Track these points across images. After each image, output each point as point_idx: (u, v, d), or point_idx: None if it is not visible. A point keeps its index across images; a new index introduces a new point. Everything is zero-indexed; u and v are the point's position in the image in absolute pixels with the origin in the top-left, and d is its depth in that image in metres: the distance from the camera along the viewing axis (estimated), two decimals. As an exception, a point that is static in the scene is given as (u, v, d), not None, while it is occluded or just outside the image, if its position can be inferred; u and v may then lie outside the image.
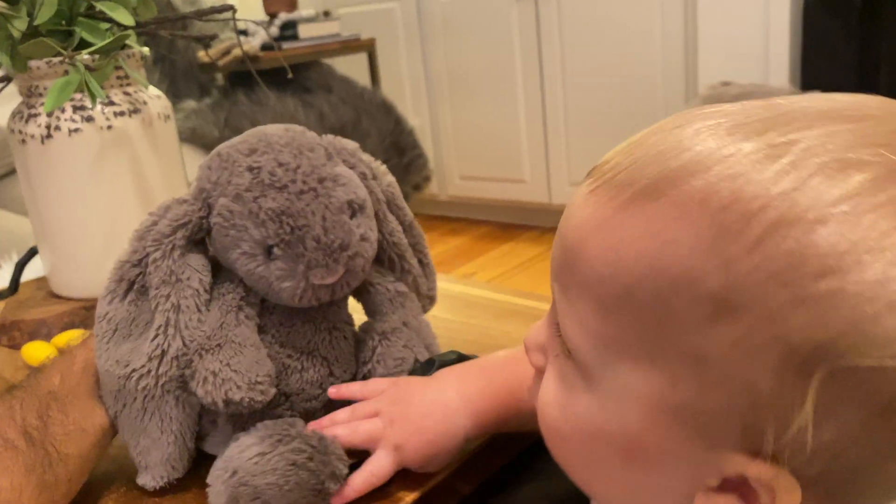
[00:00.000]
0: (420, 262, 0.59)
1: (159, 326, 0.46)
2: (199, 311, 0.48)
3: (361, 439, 0.48)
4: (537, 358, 0.37)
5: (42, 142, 0.69)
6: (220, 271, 0.50)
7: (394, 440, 0.48)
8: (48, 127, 0.69)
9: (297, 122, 2.12)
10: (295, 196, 0.46)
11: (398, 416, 0.49)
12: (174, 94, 2.24)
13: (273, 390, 0.47)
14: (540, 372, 0.37)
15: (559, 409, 0.34)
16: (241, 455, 0.45)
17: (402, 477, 0.49)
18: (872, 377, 0.25)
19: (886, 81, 2.00)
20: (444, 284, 0.83)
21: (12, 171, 1.56)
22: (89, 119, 0.70)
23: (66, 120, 0.69)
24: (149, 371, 0.46)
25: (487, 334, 0.69)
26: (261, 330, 0.50)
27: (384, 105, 2.39)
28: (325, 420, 0.50)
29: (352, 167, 0.52)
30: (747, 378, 0.27)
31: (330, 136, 0.53)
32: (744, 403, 0.27)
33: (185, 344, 0.46)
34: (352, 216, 0.48)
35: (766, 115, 0.29)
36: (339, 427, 0.49)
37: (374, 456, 0.48)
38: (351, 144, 0.54)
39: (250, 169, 0.47)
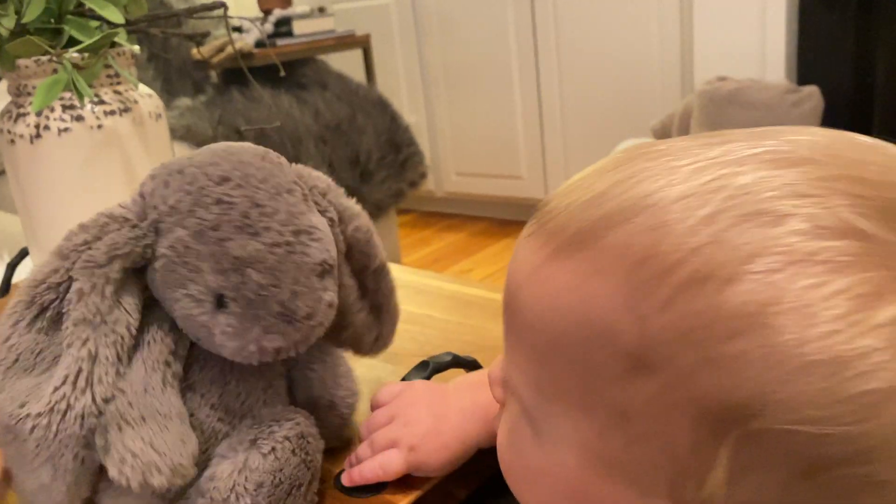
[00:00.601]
0: (378, 308, 0.53)
1: (67, 376, 0.39)
2: (119, 361, 0.41)
3: (378, 449, 0.48)
4: (498, 393, 0.38)
5: (31, 141, 0.69)
6: (146, 307, 0.44)
7: (409, 441, 0.47)
8: (37, 126, 0.68)
9: (293, 119, 2.11)
10: (267, 248, 0.40)
11: (414, 417, 0.48)
12: (168, 92, 2.23)
13: (194, 470, 0.41)
14: (503, 405, 0.37)
15: (510, 448, 0.35)
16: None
17: (398, 481, 0.48)
18: (787, 440, 0.25)
19: (883, 76, 1.99)
20: (441, 283, 0.83)
21: (2, 171, 1.55)
22: (79, 118, 0.69)
23: (55, 119, 0.68)
24: (48, 423, 0.39)
25: (484, 335, 0.68)
26: (189, 388, 0.44)
27: (380, 102, 2.38)
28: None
29: (323, 211, 0.46)
30: (666, 435, 0.27)
31: (301, 169, 0.47)
32: (665, 459, 0.27)
33: (94, 401, 0.39)
34: (321, 277, 0.42)
35: (703, 156, 0.28)
36: (363, 448, 0.49)
37: (387, 451, 0.47)
38: (323, 182, 0.48)
39: (220, 202, 0.40)
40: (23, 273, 0.85)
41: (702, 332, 0.25)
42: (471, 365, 0.56)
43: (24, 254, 0.84)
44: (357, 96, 2.34)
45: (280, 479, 0.42)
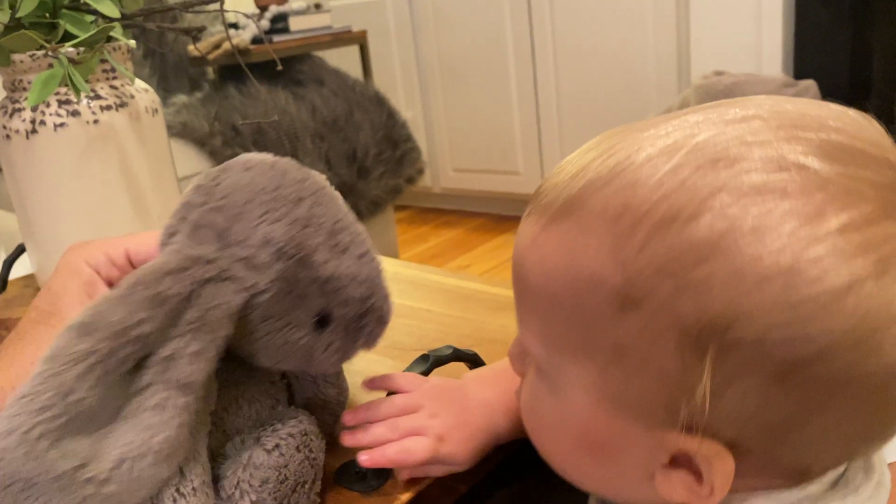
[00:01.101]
0: None
1: (156, 442, 0.36)
2: (192, 433, 0.39)
3: (402, 434, 0.46)
4: (518, 366, 0.41)
5: (27, 137, 0.68)
6: None
7: (436, 431, 0.46)
8: (33, 122, 0.68)
9: (289, 115, 2.10)
10: (357, 261, 0.42)
11: (440, 409, 0.48)
12: (165, 89, 2.22)
13: None
14: (522, 377, 0.41)
15: (532, 410, 0.39)
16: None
17: (396, 477, 0.48)
18: (758, 347, 0.29)
19: (879, 69, 1.99)
20: (439, 278, 0.82)
21: None
22: (75, 113, 0.68)
23: (51, 114, 0.68)
24: (115, 492, 0.35)
25: (483, 328, 0.68)
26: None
27: (376, 97, 2.37)
28: (362, 412, 0.48)
29: None
30: (657, 361, 0.31)
31: (297, 165, 0.45)
32: (659, 384, 0.31)
33: (170, 469, 0.37)
34: (383, 275, 0.45)
35: (664, 127, 0.33)
36: (378, 426, 0.46)
37: (414, 437, 0.46)
38: (320, 179, 0.46)
39: (308, 225, 0.40)
40: (19, 270, 0.84)
41: (674, 264, 0.30)
42: (471, 358, 0.56)
43: (20, 250, 0.84)
44: (354, 92, 2.34)
45: (285, 475, 0.42)
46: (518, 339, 0.40)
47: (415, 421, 0.47)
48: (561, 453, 0.39)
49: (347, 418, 0.48)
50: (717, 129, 0.32)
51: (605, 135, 0.36)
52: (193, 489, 0.39)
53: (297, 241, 0.40)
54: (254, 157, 0.43)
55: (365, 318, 0.42)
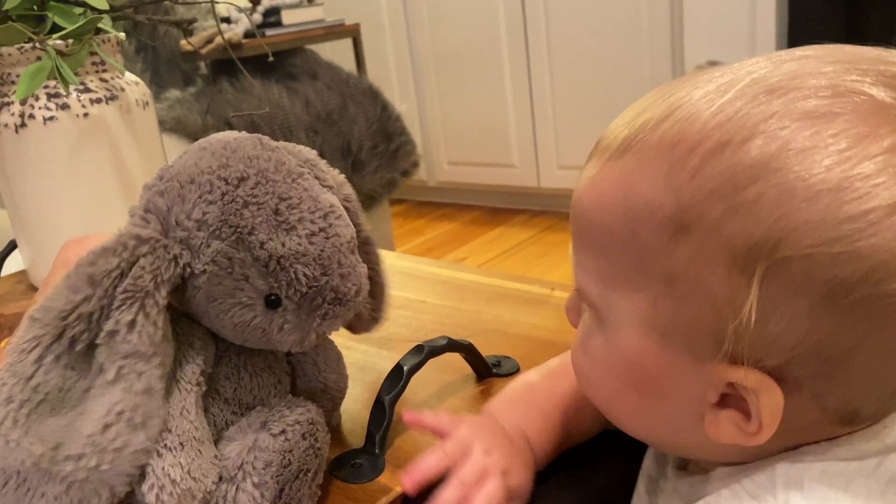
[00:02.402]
0: (370, 280, 0.51)
1: (121, 413, 0.37)
2: (166, 395, 0.39)
3: (471, 487, 0.43)
4: (573, 317, 0.42)
5: (16, 131, 0.68)
6: (174, 323, 0.42)
7: (499, 467, 0.44)
8: (22, 115, 0.67)
9: (283, 109, 2.10)
10: (307, 239, 0.40)
11: (490, 444, 0.45)
12: (157, 84, 2.21)
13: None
14: (577, 326, 0.41)
15: (582, 352, 0.39)
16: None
17: (392, 469, 0.48)
18: (806, 266, 0.29)
19: (874, 57, 1.99)
20: (435, 269, 0.82)
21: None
22: (64, 107, 0.68)
23: (40, 108, 0.67)
24: (96, 465, 0.36)
25: (479, 319, 0.68)
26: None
27: (370, 91, 2.36)
28: (419, 472, 0.43)
29: (323, 184, 0.45)
30: (706, 287, 0.31)
31: (287, 145, 0.46)
32: (708, 311, 0.31)
33: (149, 437, 0.37)
34: (353, 252, 0.43)
35: (720, 71, 0.34)
36: (447, 492, 0.42)
37: (486, 485, 0.43)
38: (310, 153, 0.47)
39: (248, 205, 0.40)
40: (12, 266, 0.84)
41: (726, 187, 0.30)
42: (466, 349, 0.56)
43: (12, 246, 0.83)
44: (347, 86, 2.33)
45: (289, 459, 0.41)
46: (574, 291, 0.40)
47: (476, 465, 0.44)
48: (610, 395, 0.39)
49: (408, 484, 0.43)
50: (774, 66, 0.32)
51: (666, 84, 0.36)
52: (181, 444, 0.39)
53: (233, 222, 0.39)
54: (217, 135, 0.43)
55: (318, 299, 0.41)
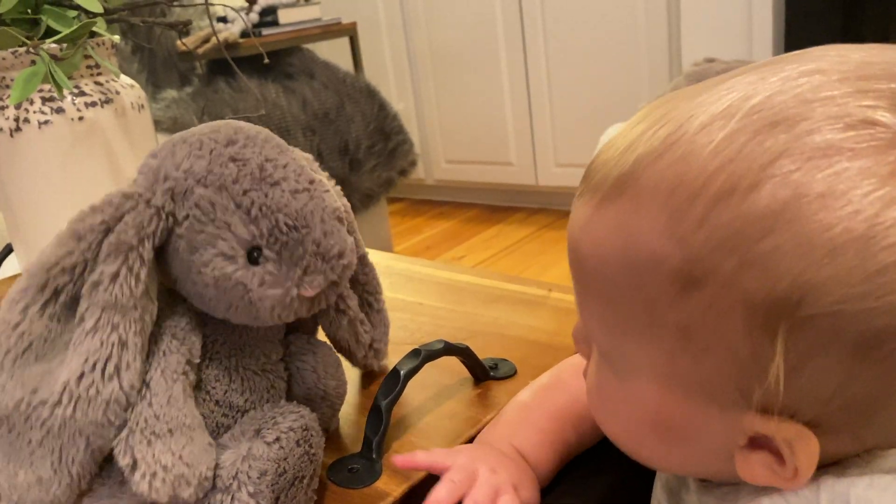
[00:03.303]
0: (369, 305, 0.53)
1: (95, 362, 0.38)
2: (142, 351, 0.40)
3: (487, 494, 0.43)
4: (582, 349, 0.40)
5: (11, 135, 0.67)
6: (158, 316, 0.43)
7: (509, 483, 0.44)
8: (17, 119, 0.67)
9: (280, 108, 2.09)
10: (290, 194, 0.41)
11: (495, 463, 0.45)
12: (154, 84, 2.21)
13: (211, 482, 0.41)
14: (588, 359, 0.39)
15: (597, 392, 0.37)
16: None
17: (390, 471, 0.48)
18: (833, 322, 0.27)
19: (871, 54, 1.99)
20: (432, 271, 0.82)
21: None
22: (59, 110, 0.67)
23: (35, 112, 0.67)
24: (70, 412, 0.37)
25: (476, 321, 0.68)
26: (195, 386, 0.43)
27: (367, 90, 2.36)
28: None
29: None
30: (726, 341, 0.29)
31: (281, 142, 0.47)
32: (730, 365, 0.29)
33: (122, 388, 0.38)
34: (340, 223, 0.43)
35: (717, 91, 0.31)
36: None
37: (501, 500, 0.43)
38: (304, 154, 0.48)
39: (234, 160, 0.41)
40: (7, 270, 0.84)
41: (736, 238, 0.28)
42: (463, 352, 0.56)
43: (8, 250, 0.83)
44: (344, 85, 2.33)
45: (284, 468, 0.41)
46: (579, 321, 0.39)
47: (486, 485, 0.43)
48: (631, 437, 0.37)
49: None
50: (774, 89, 0.29)
51: (655, 104, 0.34)
52: (169, 430, 0.39)
53: (217, 171, 0.41)
54: (223, 121, 0.45)
55: (299, 250, 0.41)
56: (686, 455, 0.35)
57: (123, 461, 0.39)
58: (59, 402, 0.38)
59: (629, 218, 0.31)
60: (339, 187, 0.50)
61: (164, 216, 0.41)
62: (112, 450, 0.39)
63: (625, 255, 0.31)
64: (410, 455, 0.46)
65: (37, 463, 0.38)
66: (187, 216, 0.41)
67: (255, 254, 0.41)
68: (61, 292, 0.39)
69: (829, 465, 0.32)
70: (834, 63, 0.30)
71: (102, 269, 0.39)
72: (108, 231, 0.40)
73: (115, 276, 0.39)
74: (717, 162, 0.28)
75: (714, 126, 0.29)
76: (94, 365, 0.38)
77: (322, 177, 0.47)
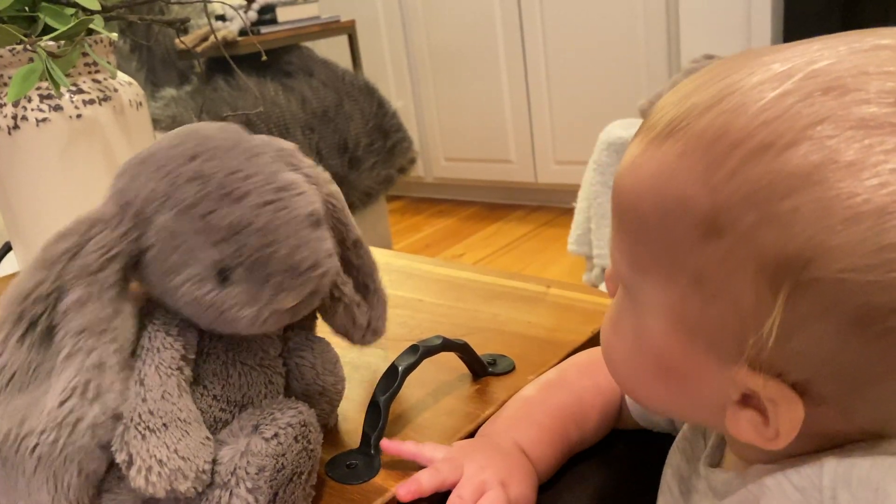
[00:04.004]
0: (365, 287, 0.53)
1: (75, 387, 0.38)
2: (122, 370, 0.40)
3: (473, 495, 0.43)
4: (611, 286, 0.41)
5: (9, 133, 0.67)
6: (150, 312, 0.43)
7: (496, 479, 0.44)
8: (14, 117, 0.67)
9: (279, 107, 2.09)
10: (253, 210, 0.40)
11: (483, 460, 0.45)
12: (153, 83, 2.21)
13: (210, 476, 0.41)
14: (613, 297, 0.40)
15: (612, 328, 0.39)
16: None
17: (387, 469, 0.48)
18: (836, 289, 0.27)
19: (870, 50, 1.99)
20: (431, 268, 0.82)
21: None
22: (57, 108, 0.67)
23: (33, 110, 0.67)
24: (55, 439, 0.37)
25: (475, 317, 0.68)
26: (193, 381, 0.43)
27: (366, 87, 2.36)
28: (413, 491, 0.44)
29: (295, 169, 0.45)
30: (733, 292, 0.30)
31: (265, 137, 0.46)
32: (733, 316, 0.30)
33: (104, 410, 0.38)
34: (314, 228, 0.42)
35: (782, 54, 0.31)
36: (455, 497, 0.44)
37: (486, 496, 0.43)
38: (288, 144, 0.47)
39: (195, 179, 0.40)
40: (7, 268, 0.84)
41: (762, 193, 0.28)
42: (461, 348, 0.56)
43: (7, 248, 0.83)
44: (343, 83, 2.33)
45: (282, 463, 0.41)
46: (612, 260, 0.40)
47: (472, 480, 0.44)
48: (634, 374, 0.38)
49: (402, 493, 0.44)
50: (839, 58, 0.29)
51: (725, 59, 0.34)
52: (164, 424, 0.39)
53: (176, 196, 0.40)
54: (190, 125, 0.44)
55: (267, 269, 0.40)
56: (681, 397, 0.36)
57: (120, 457, 0.39)
58: (44, 430, 0.37)
59: (671, 160, 0.32)
60: (326, 174, 0.50)
61: (131, 239, 0.41)
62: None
63: (659, 195, 0.32)
64: (399, 442, 0.47)
65: (34, 493, 0.39)
66: (153, 245, 0.41)
67: (225, 274, 0.40)
68: (38, 322, 0.39)
69: (833, 448, 0.32)
70: None
71: (69, 296, 0.39)
72: (74, 257, 0.40)
73: (81, 302, 0.39)
74: (763, 117, 0.29)
75: (769, 84, 0.29)
76: (74, 390, 0.38)
77: (304, 168, 0.46)
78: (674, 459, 0.44)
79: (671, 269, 0.32)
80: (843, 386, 0.30)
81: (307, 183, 0.44)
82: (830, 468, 0.31)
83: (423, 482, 0.44)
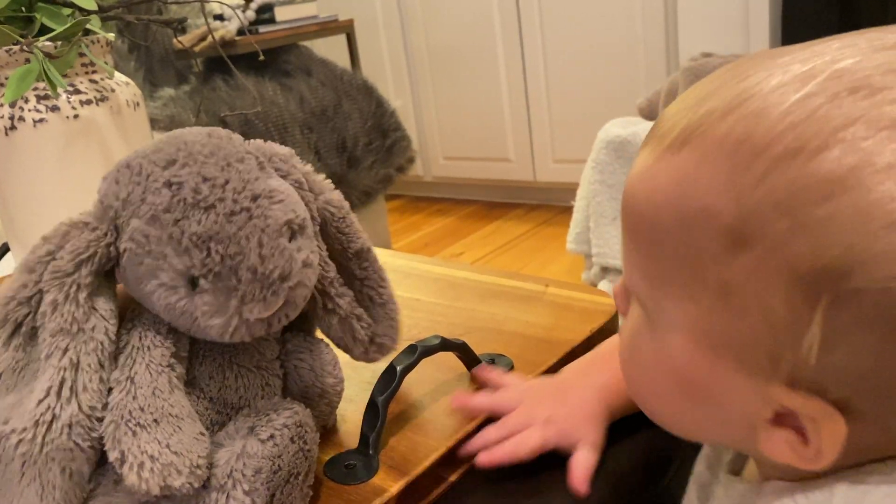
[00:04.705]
0: (369, 299, 0.52)
1: (50, 387, 0.38)
2: (102, 368, 0.40)
3: (511, 431, 0.47)
4: (621, 304, 0.39)
5: (6, 134, 0.67)
6: (141, 312, 0.43)
7: (543, 415, 0.47)
8: (12, 118, 0.67)
9: (277, 106, 2.09)
10: (224, 218, 0.40)
11: (540, 400, 0.48)
12: (151, 83, 2.21)
13: (206, 473, 0.40)
14: (625, 315, 0.39)
15: (629, 348, 0.37)
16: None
17: (387, 467, 0.48)
18: (879, 299, 0.26)
19: (869, 48, 1.99)
20: (429, 267, 0.82)
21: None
22: (54, 109, 0.67)
23: (30, 110, 0.67)
24: (32, 437, 0.38)
25: (473, 316, 0.68)
26: (188, 382, 0.43)
27: (365, 87, 2.36)
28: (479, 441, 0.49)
29: (285, 175, 0.45)
30: (765, 306, 0.28)
31: (259, 142, 0.46)
32: (765, 331, 0.29)
33: (80, 409, 0.39)
34: (291, 239, 0.42)
35: (801, 53, 0.30)
36: (488, 429, 0.48)
37: (523, 432, 0.47)
38: (284, 150, 0.47)
39: (169, 185, 0.40)
40: (5, 268, 0.83)
41: (794, 200, 0.27)
42: (459, 348, 0.56)
43: (5, 249, 0.83)
44: (342, 82, 2.33)
45: (279, 465, 0.41)
46: (623, 275, 0.38)
47: (520, 416, 0.48)
48: (657, 396, 0.37)
49: (455, 402, 0.48)
50: (863, 56, 0.28)
51: (737, 61, 0.32)
52: (154, 420, 0.39)
53: (150, 200, 0.40)
54: (178, 131, 0.44)
55: (232, 279, 0.40)
56: (707, 418, 0.34)
57: (112, 455, 0.39)
58: (25, 428, 0.38)
59: (690, 169, 0.30)
60: (328, 181, 0.50)
61: (103, 246, 0.41)
62: (105, 453, 0.39)
63: (679, 205, 0.30)
64: (468, 396, 0.50)
65: (25, 492, 0.39)
66: (126, 249, 0.41)
67: (196, 281, 0.40)
68: (22, 324, 0.40)
69: (851, 467, 0.31)
70: None
71: (44, 298, 0.40)
72: (52, 260, 0.41)
73: (55, 304, 0.40)
74: (788, 121, 0.27)
75: (791, 86, 0.28)
76: (49, 390, 0.38)
77: (294, 175, 0.46)
78: (697, 468, 0.43)
79: (694, 283, 0.31)
80: (885, 401, 0.28)
81: (296, 190, 0.44)
82: (841, 494, 0.30)
83: (478, 402, 0.49)
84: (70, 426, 0.38)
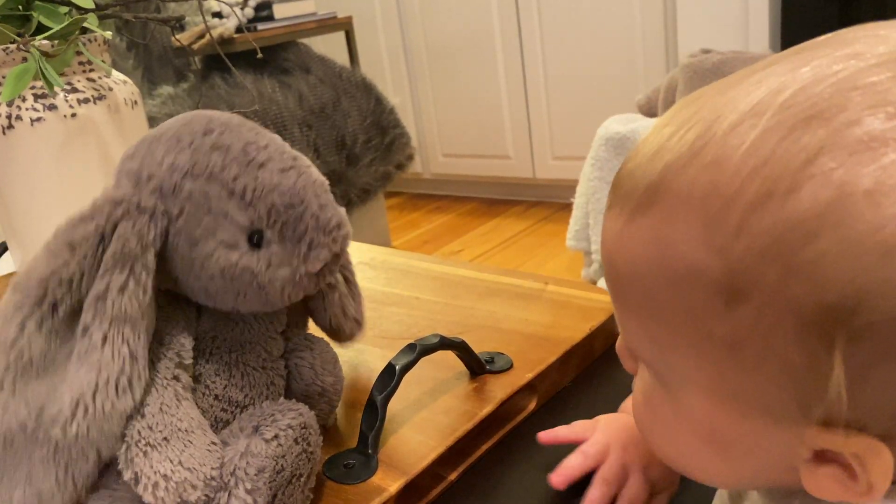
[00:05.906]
0: (345, 279, 0.53)
1: (109, 376, 0.37)
2: (147, 365, 0.39)
3: (614, 487, 0.45)
4: (628, 363, 0.38)
5: (3, 133, 0.67)
6: None
7: (641, 461, 0.45)
8: (9, 117, 0.67)
9: (276, 104, 2.09)
10: (280, 173, 0.41)
11: (627, 441, 0.46)
12: (150, 81, 2.20)
13: (221, 481, 0.40)
14: (635, 374, 0.38)
15: (646, 409, 0.36)
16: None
17: (386, 466, 0.48)
18: (894, 327, 0.25)
19: (868, 44, 1.98)
20: (428, 265, 0.82)
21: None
22: (52, 107, 0.67)
23: (27, 109, 0.67)
24: (86, 429, 0.37)
25: (472, 315, 0.68)
26: (194, 378, 0.43)
27: (364, 84, 2.36)
28: (564, 475, 0.46)
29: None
30: (778, 355, 0.27)
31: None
32: (786, 378, 0.27)
33: (134, 401, 0.38)
34: (326, 193, 0.44)
35: (745, 86, 0.29)
36: (593, 491, 0.45)
37: (629, 484, 0.45)
38: (238, 119, 0.48)
39: (217, 147, 0.41)
40: (3, 268, 0.83)
41: (779, 245, 0.26)
42: (459, 346, 0.56)
43: (3, 249, 0.83)
44: (341, 79, 2.32)
45: (282, 465, 0.41)
46: (622, 336, 0.37)
47: (615, 463, 0.45)
48: (681, 453, 0.35)
49: (556, 481, 0.45)
50: (806, 80, 0.27)
51: (681, 103, 0.31)
52: (164, 438, 0.39)
53: (203, 162, 0.40)
54: (193, 111, 0.45)
55: (300, 227, 0.41)
56: (742, 468, 0.33)
57: (126, 475, 0.38)
58: (71, 417, 0.36)
59: (662, 229, 0.29)
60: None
61: (159, 217, 0.40)
62: None
63: (662, 268, 0.29)
64: (554, 431, 0.49)
65: (37, 479, 0.38)
66: (181, 211, 0.40)
67: (256, 238, 0.41)
68: (59, 305, 0.38)
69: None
70: (869, 46, 0.27)
71: (109, 281, 0.38)
72: (102, 239, 0.39)
73: (122, 288, 0.38)
74: (750, 164, 0.26)
75: (744, 126, 0.27)
76: (108, 379, 0.37)
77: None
78: (717, 487, 0.42)
79: (698, 340, 0.29)
80: None
81: None
82: None
83: (574, 467, 0.46)
84: (124, 417, 0.38)
